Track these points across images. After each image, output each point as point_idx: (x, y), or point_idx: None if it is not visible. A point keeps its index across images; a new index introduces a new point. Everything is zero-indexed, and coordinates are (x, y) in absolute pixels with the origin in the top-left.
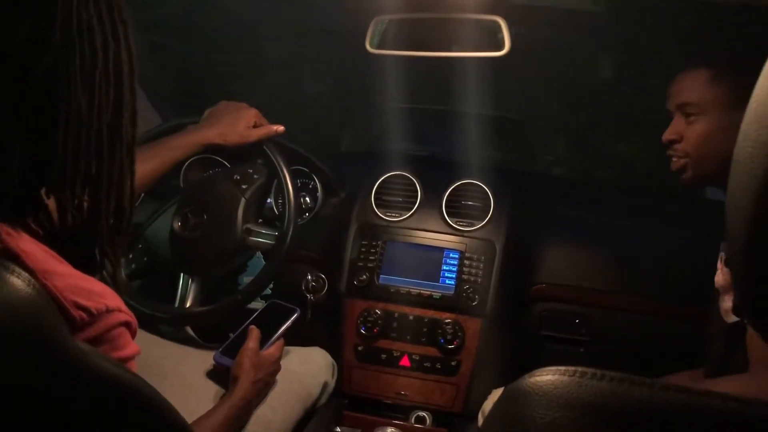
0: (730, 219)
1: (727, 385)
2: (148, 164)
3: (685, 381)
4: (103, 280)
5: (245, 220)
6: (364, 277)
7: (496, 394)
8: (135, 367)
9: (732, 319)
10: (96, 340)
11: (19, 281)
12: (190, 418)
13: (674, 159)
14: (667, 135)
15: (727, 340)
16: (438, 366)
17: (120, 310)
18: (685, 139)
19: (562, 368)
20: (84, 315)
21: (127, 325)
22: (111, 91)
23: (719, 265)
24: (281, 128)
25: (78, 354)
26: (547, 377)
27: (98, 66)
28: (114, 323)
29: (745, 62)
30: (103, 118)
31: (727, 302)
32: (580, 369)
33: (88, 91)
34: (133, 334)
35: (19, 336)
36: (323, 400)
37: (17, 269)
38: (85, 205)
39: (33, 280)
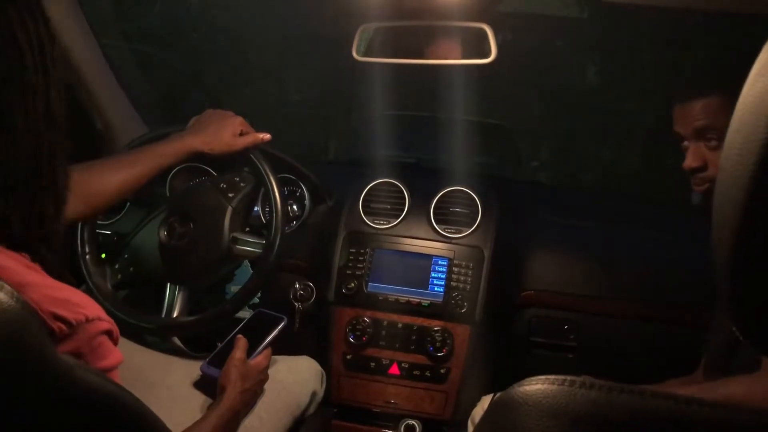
0: (715, 227)
1: (734, 386)
2: (131, 170)
3: (677, 388)
4: (88, 290)
5: (232, 229)
6: (353, 285)
7: (486, 401)
8: (118, 375)
9: None
10: (77, 351)
11: (1, 294)
12: (177, 429)
13: (698, 185)
14: (692, 163)
15: (732, 343)
16: (427, 374)
17: (100, 319)
18: (712, 165)
19: (552, 377)
20: (63, 326)
21: (108, 333)
22: (38, 76)
23: None
24: (267, 136)
25: (63, 367)
26: (536, 386)
27: (39, 91)
28: (95, 332)
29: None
30: (38, 110)
31: None
32: (569, 378)
33: (23, 107)
34: (115, 342)
35: (2, 350)
36: (312, 409)
37: (0, 282)
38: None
39: (16, 292)
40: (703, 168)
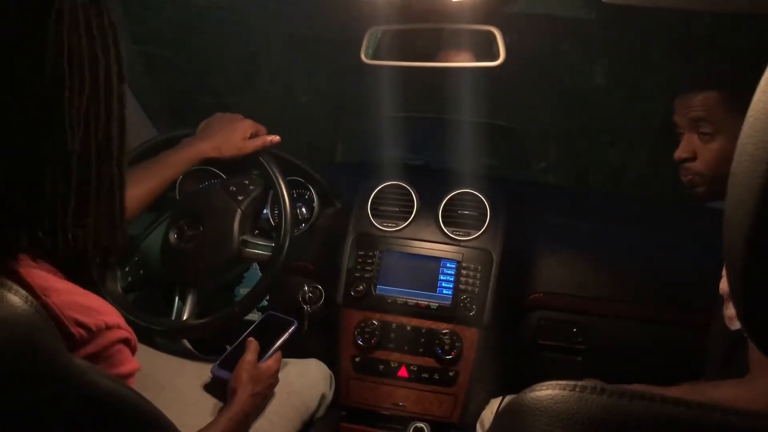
0: (727, 233)
1: (724, 389)
2: (146, 184)
3: (687, 392)
4: (98, 293)
5: (241, 232)
6: (361, 287)
7: (494, 404)
8: (134, 383)
9: (735, 325)
10: (95, 357)
11: (16, 298)
12: (187, 431)
13: (685, 175)
14: (681, 153)
15: (730, 347)
16: (436, 376)
17: (120, 327)
18: (700, 158)
19: (562, 382)
20: (83, 332)
21: (126, 341)
22: (101, 109)
23: (724, 272)
24: (277, 138)
25: (75, 371)
26: (546, 392)
27: (86, 91)
28: (113, 340)
29: (753, 81)
30: (91, 142)
31: (730, 309)
32: (580, 383)
33: (76, 121)
34: (133, 351)
35: (16, 353)
36: (321, 412)
37: (15, 286)
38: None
39: (31, 297)
40: (692, 159)
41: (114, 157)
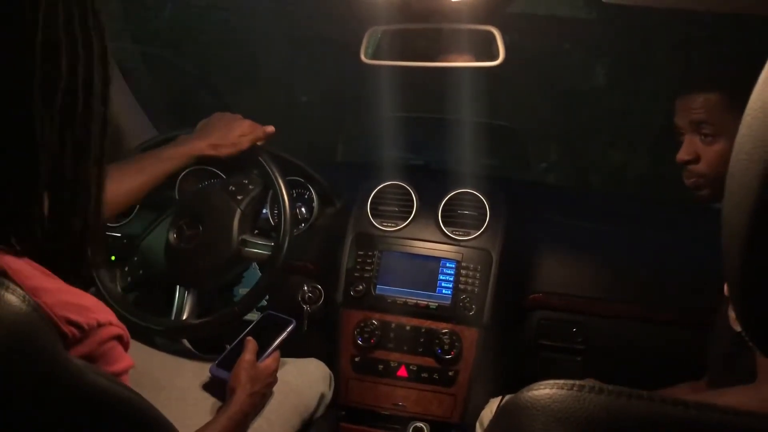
0: (725, 233)
1: (731, 396)
2: (140, 177)
3: (687, 392)
4: (98, 293)
5: (241, 231)
6: (361, 287)
7: (494, 403)
8: (128, 379)
9: (739, 327)
10: (89, 356)
11: (13, 297)
12: (186, 431)
13: (689, 178)
14: (684, 155)
15: (733, 348)
16: (435, 376)
17: (111, 324)
18: (704, 160)
19: (560, 381)
20: (75, 331)
21: (119, 338)
22: (78, 106)
23: None
24: (271, 128)
25: (73, 370)
26: (544, 391)
27: (61, 87)
28: (106, 337)
29: (754, 81)
30: (67, 138)
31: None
32: (578, 382)
33: (49, 115)
34: (126, 347)
35: (14, 353)
36: (320, 411)
37: (12, 285)
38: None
39: (28, 296)
40: (695, 161)
41: (93, 157)
